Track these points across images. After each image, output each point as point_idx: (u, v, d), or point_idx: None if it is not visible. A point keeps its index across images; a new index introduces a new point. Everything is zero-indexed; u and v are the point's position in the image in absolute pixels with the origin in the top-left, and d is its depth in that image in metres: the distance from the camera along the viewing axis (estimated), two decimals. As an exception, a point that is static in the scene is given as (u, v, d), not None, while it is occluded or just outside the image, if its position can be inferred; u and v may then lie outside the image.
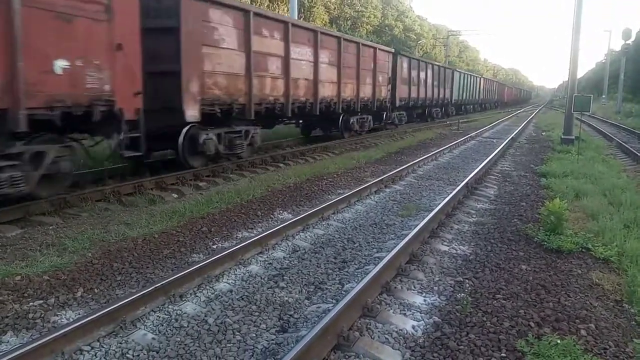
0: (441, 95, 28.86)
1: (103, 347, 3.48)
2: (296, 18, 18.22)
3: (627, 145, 16.45)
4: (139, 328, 3.77)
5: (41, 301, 4.14)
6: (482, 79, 45.18)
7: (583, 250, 5.56)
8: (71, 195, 7.19)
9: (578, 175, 10.02)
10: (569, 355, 3.23)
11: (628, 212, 6.95)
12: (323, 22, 49.52)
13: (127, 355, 3.41)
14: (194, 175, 9.24)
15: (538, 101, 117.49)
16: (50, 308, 4.05)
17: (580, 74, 52.42)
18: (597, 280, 4.75)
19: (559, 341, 3.45)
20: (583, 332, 3.71)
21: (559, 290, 4.50)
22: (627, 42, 37.85)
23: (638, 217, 6.67)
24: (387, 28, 63.84)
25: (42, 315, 3.92)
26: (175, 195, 8.08)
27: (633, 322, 4.02)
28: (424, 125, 25.49)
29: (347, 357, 3.38)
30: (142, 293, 3.95)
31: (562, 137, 16.35)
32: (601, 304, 4.30)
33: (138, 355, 3.41)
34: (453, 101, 32.71)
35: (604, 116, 36.24)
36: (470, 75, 39.70)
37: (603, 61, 62.09)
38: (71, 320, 3.80)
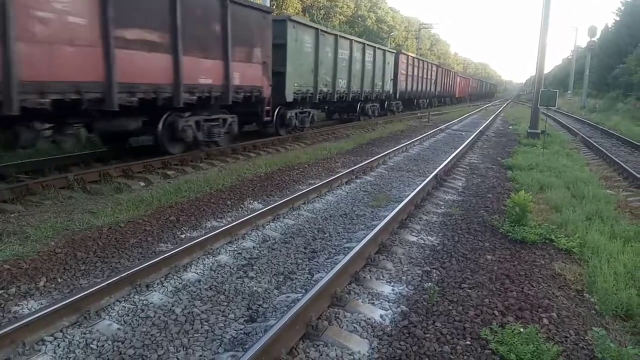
0: (252, 82, 11.50)
1: (66, 338, 3.40)
2: (268, 5, 17.82)
3: (590, 140, 16.93)
4: (104, 318, 3.70)
5: (1, 291, 4.02)
6: (406, 59, 27.23)
7: (546, 241, 5.70)
8: (33, 182, 6.98)
9: (543, 168, 10.27)
10: (532, 343, 3.31)
11: (590, 204, 7.15)
12: (296, 10, 49.09)
13: (92, 345, 3.34)
14: (162, 164, 9.08)
15: (506, 95, 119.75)
16: (11, 298, 3.94)
17: (547, 69, 53.59)
18: (559, 271, 4.89)
19: (522, 329, 3.53)
20: (545, 320, 3.81)
21: (523, 280, 4.62)
22: (593, 39, 38.80)
23: (600, 209, 6.88)
24: (359, 19, 63.78)
25: (3, 305, 3.81)
26: (143, 184, 7.92)
27: (593, 311, 4.15)
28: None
29: (315, 346, 3.39)
30: (107, 283, 3.87)
31: (529, 131, 16.70)
32: (563, 293, 4.42)
33: (102, 346, 3.34)
34: (319, 96, 15.75)
35: (569, 111, 37.23)
36: (377, 49, 21.51)
37: (569, 57, 63.47)
38: (33, 310, 3.70)
